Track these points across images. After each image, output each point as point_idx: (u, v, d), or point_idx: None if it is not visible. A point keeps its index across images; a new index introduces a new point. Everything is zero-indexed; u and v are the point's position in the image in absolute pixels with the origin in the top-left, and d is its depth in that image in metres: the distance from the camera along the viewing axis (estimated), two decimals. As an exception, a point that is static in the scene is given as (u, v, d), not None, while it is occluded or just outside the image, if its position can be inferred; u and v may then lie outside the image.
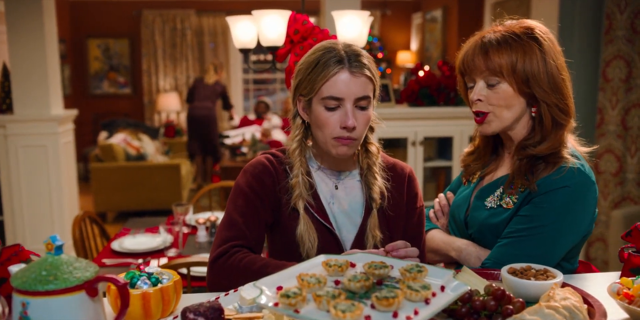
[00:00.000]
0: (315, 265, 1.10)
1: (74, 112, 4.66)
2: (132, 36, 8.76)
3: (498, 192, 1.53)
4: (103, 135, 6.97)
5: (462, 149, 4.28)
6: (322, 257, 1.12)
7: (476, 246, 1.56)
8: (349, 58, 1.41)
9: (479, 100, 1.50)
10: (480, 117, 1.51)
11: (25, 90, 4.25)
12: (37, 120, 4.26)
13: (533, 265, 1.23)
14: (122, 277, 1.17)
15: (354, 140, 1.43)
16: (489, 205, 1.53)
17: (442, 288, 0.99)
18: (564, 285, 1.19)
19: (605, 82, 4.41)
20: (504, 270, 1.21)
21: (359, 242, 1.50)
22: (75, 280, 0.89)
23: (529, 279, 1.17)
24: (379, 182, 1.53)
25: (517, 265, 1.23)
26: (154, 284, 1.17)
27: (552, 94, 1.44)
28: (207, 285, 1.42)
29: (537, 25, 1.50)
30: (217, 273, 1.39)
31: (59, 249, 0.92)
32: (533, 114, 1.49)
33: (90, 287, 0.90)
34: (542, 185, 1.43)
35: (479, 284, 1.15)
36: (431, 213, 1.77)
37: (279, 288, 0.98)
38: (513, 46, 1.45)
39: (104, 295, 1.20)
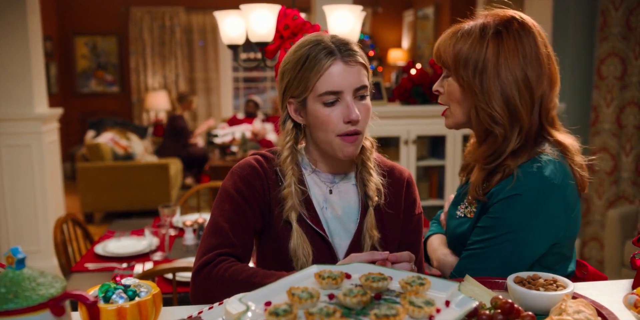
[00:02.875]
0: (307, 276, 1.01)
1: (58, 111, 4.55)
2: (120, 34, 8.62)
3: (467, 200, 1.45)
4: (90, 134, 6.84)
5: (455, 147, 4.21)
6: (314, 268, 1.03)
7: (453, 256, 1.48)
8: (339, 48, 1.32)
9: (437, 91, 1.43)
10: (443, 110, 1.45)
11: (9, 89, 4.13)
12: (21, 119, 4.14)
13: (541, 274, 1.15)
14: (94, 291, 1.08)
15: (360, 134, 1.35)
16: (459, 214, 1.46)
17: (447, 303, 0.90)
18: (575, 296, 1.10)
19: (600, 79, 4.36)
20: (510, 280, 1.12)
21: (353, 250, 1.40)
22: (39, 298, 0.79)
23: (538, 289, 1.08)
24: (375, 179, 1.44)
25: (524, 274, 1.15)
26: (131, 298, 1.07)
27: (479, 95, 1.32)
28: (191, 297, 1.32)
29: (517, 18, 1.36)
30: (201, 284, 1.29)
31: (21, 263, 0.82)
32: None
33: (55, 305, 0.80)
34: (494, 194, 1.33)
35: (484, 295, 1.07)
36: (442, 216, 1.68)
37: (267, 303, 0.89)
38: (466, 38, 1.34)
39: (76, 309, 1.11)
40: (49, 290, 0.81)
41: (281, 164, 1.40)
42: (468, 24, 1.39)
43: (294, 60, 1.34)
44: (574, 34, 4.35)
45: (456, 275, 1.38)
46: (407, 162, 4.16)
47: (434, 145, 4.44)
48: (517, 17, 1.37)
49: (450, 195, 1.70)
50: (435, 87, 1.43)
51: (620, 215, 3.93)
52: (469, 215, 1.42)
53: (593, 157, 1.43)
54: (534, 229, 1.31)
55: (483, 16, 1.40)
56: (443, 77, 1.42)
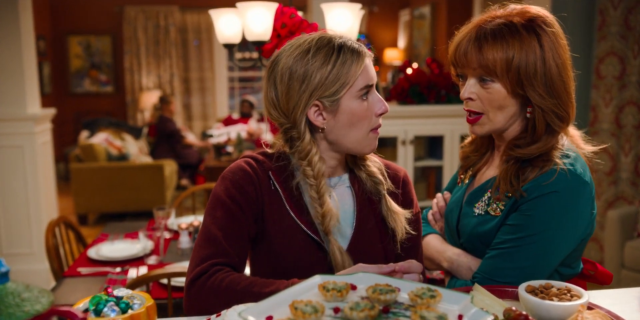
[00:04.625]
0: (310, 288, 0.95)
1: (51, 111, 4.48)
2: (114, 33, 8.55)
3: (485, 197, 1.41)
4: (84, 134, 6.77)
5: (453, 147, 4.17)
6: (317, 279, 0.97)
7: (468, 256, 1.44)
8: (356, 43, 1.29)
9: (470, 99, 1.37)
10: (473, 117, 1.39)
11: (0, 89, 4.06)
12: (13, 119, 4.07)
13: (553, 282, 1.10)
14: (85, 303, 1.02)
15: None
16: (477, 211, 1.42)
17: (460, 317, 0.85)
18: (590, 306, 1.05)
19: (599, 79, 4.33)
20: (521, 289, 1.07)
21: (351, 256, 1.34)
22: (23, 315, 0.73)
23: (551, 299, 1.03)
24: (372, 166, 1.39)
25: (536, 283, 1.10)
26: (124, 311, 1.01)
27: (548, 99, 1.30)
28: (185, 309, 1.25)
29: (541, 15, 1.34)
30: (196, 296, 1.22)
31: (4, 277, 0.77)
32: (528, 115, 1.35)
33: (42, 323, 0.75)
34: (529, 190, 1.30)
35: (495, 305, 1.02)
36: (429, 215, 1.65)
37: (269, 318, 0.83)
38: (510, 41, 1.29)
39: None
40: (35, 306, 0.75)
41: (316, 176, 1.30)
42: (491, 24, 1.33)
43: (321, 58, 1.26)
44: (572, 33, 4.31)
45: (483, 275, 1.33)
46: (405, 163, 4.11)
47: (431, 146, 4.40)
48: (534, 11, 1.35)
49: (438, 194, 1.65)
50: (467, 94, 1.36)
51: (619, 216, 3.89)
52: (493, 213, 1.37)
53: (604, 146, 1.45)
54: (567, 227, 1.30)
55: (501, 14, 1.36)
56: (475, 83, 1.35)
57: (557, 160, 1.31)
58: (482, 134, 1.42)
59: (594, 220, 1.36)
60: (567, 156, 1.33)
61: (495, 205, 1.37)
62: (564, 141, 1.38)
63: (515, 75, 1.30)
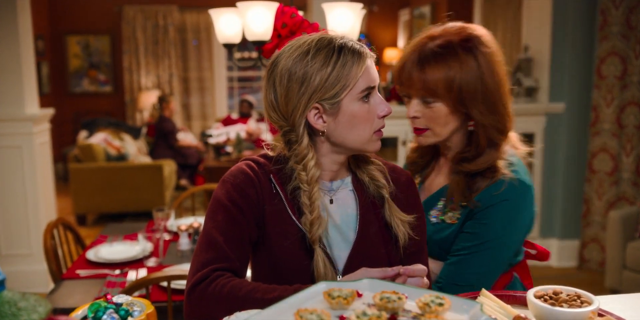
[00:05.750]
0: (314, 295, 0.92)
1: (50, 111, 4.45)
2: (113, 33, 8.52)
3: (440, 206, 1.52)
4: (83, 134, 6.74)
5: (454, 148, 4.15)
6: (322, 285, 0.94)
7: (436, 261, 1.51)
8: (357, 44, 1.26)
9: (415, 117, 1.46)
10: (418, 131, 1.50)
11: (-1, 88, 4.04)
12: (11, 120, 4.04)
13: (562, 288, 1.08)
14: (84, 310, 1.00)
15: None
16: (434, 220, 1.51)
17: (470, 326, 0.83)
18: (600, 313, 1.03)
19: (600, 79, 4.31)
20: (530, 295, 1.05)
21: (353, 261, 1.31)
22: (20, 324, 0.71)
23: (561, 306, 1.01)
24: (375, 170, 1.36)
25: (545, 288, 1.08)
26: (123, 318, 0.99)
27: (488, 115, 1.40)
28: (185, 315, 1.22)
29: (477, 34, 1.42)
30: (197, 302, 1.20)
31: (1, 285, 0.74)
32: (470, 128, 1.45)
33: (38, 332, 0.73)
34: (482, 200, 1.42)
35: (501, 310, 0.99)
36: None
37: (273, 327, 0.81)
38: (449, 61, 1.38)
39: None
40: (31, 316, 0.73)
41: (309, 182, 1.27)
42: (431, 44, 1.41)
43: (321, 60, 1.22)
44: (574, 33, 4.29)
45: (447, 280, 1.43)
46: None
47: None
48: (470, 30, 1.43)
49: None
50: (412, 113, 1.46)
51: (621, 216, 3.87)
52: (449, 221, 1.47)
53: (532, 148, 1.56)
54: (517, 231, 1.44)
55: (439, 33, 1.43)
56: (419, 103, 1.44)
57: (505, 171, 1.41)
58: (427, 144, 1.52)
59: (534, 219, 1.48)
60: (511, 164, 1.44)
61: (451, 213, 1.47)
62: (505, 147, 1.48)
63: (457, 95, 1.38)
